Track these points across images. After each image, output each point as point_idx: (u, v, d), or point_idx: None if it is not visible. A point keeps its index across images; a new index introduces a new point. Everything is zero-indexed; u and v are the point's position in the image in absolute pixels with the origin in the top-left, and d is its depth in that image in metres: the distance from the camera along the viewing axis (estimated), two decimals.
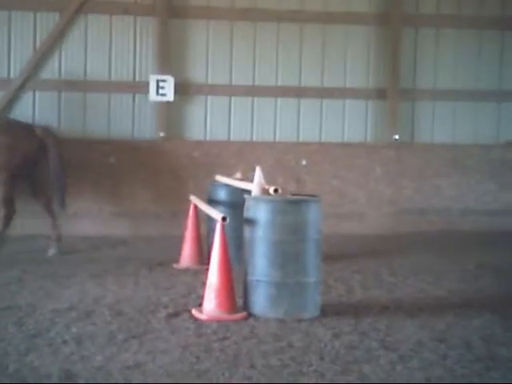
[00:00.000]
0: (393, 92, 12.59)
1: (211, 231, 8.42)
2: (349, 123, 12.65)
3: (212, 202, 9.21)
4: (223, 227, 6.64)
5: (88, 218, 11.41)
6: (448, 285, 8.28)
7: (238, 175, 9.50)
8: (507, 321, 6.64)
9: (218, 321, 6.33)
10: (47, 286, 7.70)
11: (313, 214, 6.65)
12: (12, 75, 11.61)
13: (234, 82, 12.35)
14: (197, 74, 12.26)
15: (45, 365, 5.10)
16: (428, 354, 5.62)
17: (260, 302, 6.55)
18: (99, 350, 5.46)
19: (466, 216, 12.46)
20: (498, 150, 12.80)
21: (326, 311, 6.71)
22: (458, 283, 8.41)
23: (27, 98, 11.67)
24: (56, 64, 11.78)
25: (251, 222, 6.64)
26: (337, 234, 11.05)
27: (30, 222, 10.71)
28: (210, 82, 12.29)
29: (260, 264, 6.56)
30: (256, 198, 6.86)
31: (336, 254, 9.72)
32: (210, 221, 8.93)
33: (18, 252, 9.72)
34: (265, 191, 6.99)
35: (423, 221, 12.34)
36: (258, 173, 7.21)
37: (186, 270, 8.82)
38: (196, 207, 9.22)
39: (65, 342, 5.68)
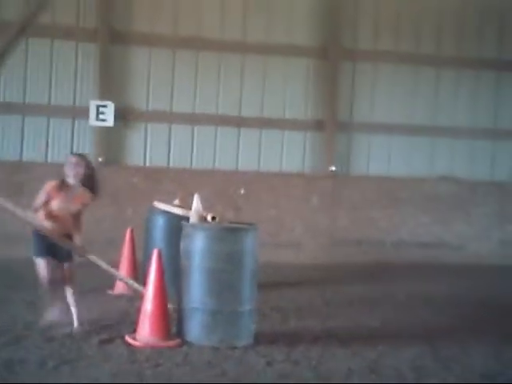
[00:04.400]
0: (330, 124, 12.84)
1: (148, 258, 8.41)
2: (287, 153, 12.84)
3: (150, 228, 9.19)
4: (159, 254, 6.65)
5: (20, 242, 11.21)
6: (380, 315, 8.42)
7: (177, 202, 9.50)
8: (437, 351, 6.79)
9: (152, 347, 6.31)
10: None
11: (250, 243, 6.71)
12: None
13: (174, 110, 12.42)
14: (137, 100, 12.31)
15: None
16: (359, 383, 5.70)
17: (195, 329, 6.55)
18: (29, 376, 5.39)
19: (400, 248, 12.73)
20: (431, 183, 13.14)
21: (260, 339, 6.75)
22: (391, 313, 8.56)
23: None
24: None
25: (188, 249, 6.66)
26: (273, 263, 11.12)
27: None
28: (150, 108, 12.35)
29: (196, 292, 6.57)
30: (193, 225, 6.89)
31: (272, 282, 9.80)
32: (147, 247, 8.93)
33: None
34: (202, 218, 7.03)
35: (358, 251, 12.55)
36: (197, 200, 7.25)
37: (120, 296, 8.75)
38: (132, 232, 9.19)
39: None
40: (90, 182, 7.07)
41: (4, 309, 7.72)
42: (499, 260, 12.72)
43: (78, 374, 5.52)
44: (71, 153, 7.09)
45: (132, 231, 9.37)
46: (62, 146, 11.91)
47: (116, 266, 9.15)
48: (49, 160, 11.86)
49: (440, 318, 8.43)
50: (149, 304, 6.48)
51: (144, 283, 6.88)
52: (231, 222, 7.35)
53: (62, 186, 6.91)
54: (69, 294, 6.98)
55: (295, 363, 6.16)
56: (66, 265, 6.97)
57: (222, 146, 12.61)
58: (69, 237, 6.97)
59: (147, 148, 12.33)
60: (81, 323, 6.89)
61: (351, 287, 10.19)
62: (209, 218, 6.96)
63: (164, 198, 9.91)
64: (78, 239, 7.00)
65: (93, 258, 7.19)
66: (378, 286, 10.33)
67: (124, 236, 9.44)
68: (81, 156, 7.24)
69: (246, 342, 6.61)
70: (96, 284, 9.28)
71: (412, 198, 12.95)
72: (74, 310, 6.95)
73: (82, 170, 6.97)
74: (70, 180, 6.95)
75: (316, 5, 12.87)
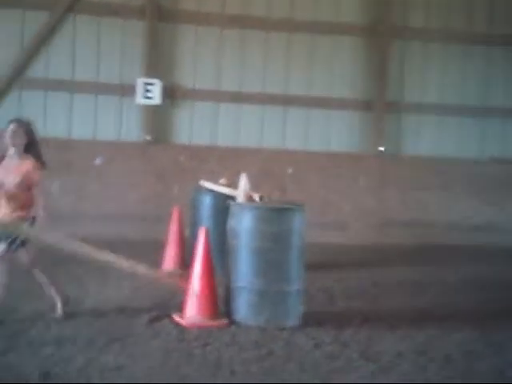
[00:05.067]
0: (379, 103, 12.64)
1: (195, 236, 8.40)
2: (335, 133, 12.68)
3: (196, 206, 9.17)
4: (207, 232, 6.61)
5: (72, 220, 11.31)
6: (430, 298, 8.29)
7: (223, 181, 9.45)
8: (489, 336, 6.65)
9: (199, 327, 6.29)
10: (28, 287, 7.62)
11: (297, 223, 6.64)
12: None
13: (221, 88, 12.35)
14: (184, 78, 12.27)
15: (24, 365, 5.05)
16: (408, 366, 5.61)
17: (242, 309, 6.52)
18: (79, 353, 5.42)
19: (450, 230, 12.49)
20: (481, 165, 12.87)
21: (308, 320, 6.68)
22: (440, 296, 8.42)
23: (13, 96, 11.61)
24: (43, 63, 11.73)
25: (235, 228, 6.61)
26: (320, 244, 11.00)
27: None
28: (197, 86, 12.29)
29: (243, 271, 6.53)
30: (241, 205, 6.84)
31: (319, 263, 9.70)
32: (193, 226, 8.92)
33: None
34: (250, 198, 6.96)
35: (407, 233, 12.34)
36: (244, 179, 7.18)
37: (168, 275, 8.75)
38: (179, 210, 9.19)
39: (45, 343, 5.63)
40: (31, 150, 6.32)
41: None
42: None
43: (127, 352, 5.52)
44: (10, 120, 6.31)
45: (179, 209, 9.35)
46: (109, 123, 11.96)
47: (164, 243, 9.20)
48: (96, 138, 11.90)
49: (491, 302, 8.26)
50: (196, 283, 6.45)
51: (190, 261, 6.84)
52: (279, 202, 7.28)
53: (2, 157, 6.30)
54: (37, 276, 6.46)
55: (343, 345, 6.09)
56: (20, 249, 6.25)
57: (268, 124, 12.51)
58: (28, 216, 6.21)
59: (193, 126, 12.30)
60: (65, 302, 6.54)
61: (400, 269, 10.05)
62: (256, 197, 6.89)
63: (210, 177, 9.88)
64: (39, 218, 6.23)
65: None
66: (427, 269, 10.16)
67: (170, 214, 9.43)
68: (19, 122, 6.40)
69: (293, 322, 6.55)
70: (145, 262, 9.32)
71: (463, 179, 12.71)
72: (49, 290, 6.49)
73: (21, 138, 6.26)
74: (11, 150, 6.29)
75: None
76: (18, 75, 11.60)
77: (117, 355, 5.42)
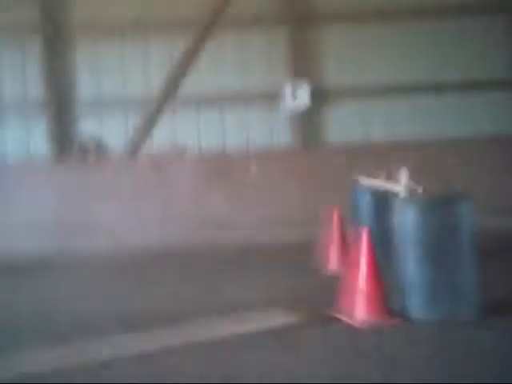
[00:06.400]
0: None
1: (356, 235, 8.26)
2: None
3: (356, 204, 9.04)
4: (369, 232, 6.45)
5: (231, 226, 11.50)
6: None
7: (382, 177, 9.21)
8: None
9: (372, 327, 6.12)
10: None
11: (465, 211, 6.35)
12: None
13: (369, 83, 12.14)
14: (331, 78, 12.15)
15: None
16: None
17: (415, 305, 6.29)
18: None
19: None
20: None
21: (488, 313, 6.31)
22: None
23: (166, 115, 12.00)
24: (191, 81, 12.02)
25: (403, 224, 6.41)
26: (491, 231, 10.40)
27: None
28: (344, 85, 12.15)
29: (413, 266, 6.32)
30: (406, 199, 6.64)
31: (490, 250, 9.18)
32: (355, 224, 8.80)
33: None
34: (413, 191, 6.75)
35: None
36: (404, 174, 6.99)
37: (329, 275, 8.66)
38: (339, 212, 9.08)
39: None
40: None
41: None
42: None
43: (303, 354, 5.46)
44: None
45: (338, 209, 9.22)
46: (261, 131, 12.08)
47: (327, 245, 9.12)
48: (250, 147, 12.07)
49: None
50: (364, 282, 6.30)
51: (353, 261, 6.67)
52: (442, 193, 7.01)
53: None
54: None
55: None
56: None
57: (419, 115, 12.18)
58: None
59: (344, 125, 12.16)
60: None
61: None
62: (419, 190, 6.68)
63: (365, 174, 9.67)
64: None
65: None
66: None
67: (330, 215, 9.31)
68: None
69: (471, 315, 6.23)
70: (309, 264, 9.31)
71: None
72: None
73: None
74: None
75: None
76: (170, 95, 11.94)
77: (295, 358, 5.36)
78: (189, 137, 11.93)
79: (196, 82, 12.07)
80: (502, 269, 8.28)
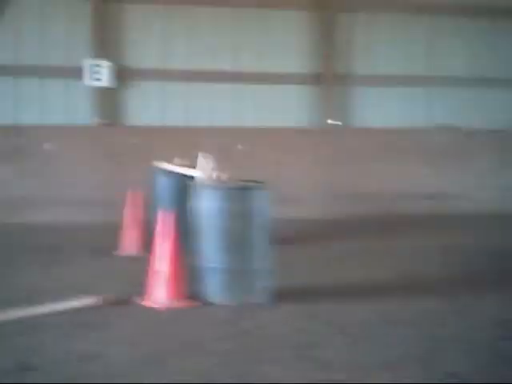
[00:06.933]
0: (328, 77, 12.72)
1: (155, 218, 8.38)
2: (285, 108, 12.72)
3: (154, 188, 9.12)
4: (172, 214, 6.58)
5: (29, 206, 11.16)
6: (392, 266, 8.42)
7: (177, 161, 9.35)
8: (452, 302, 6.81)
9: (171, 308, 6.29)
10: None
11: (261, 200, 6.67)
12: None
13: (169, 67, 12.25)
14: (133, 58, 12.11)
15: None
16: (379, 336, 5.71)
17: (211, 289, 6.53)
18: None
19: (401, 200, 12.70)
20: (428, 133, 13.10)
21: (276, 297, 6.73)
22: (399, 265, 8.56)
23: None
24: None
25: (200, 208, 6.60)
26: (276, 219, 10.99)
27: None
28: (145, 66, 12.15)
29: (210, 251, 6.54)
30: (206, 185, 6.82)
31: (277, 238, 9.72)
32: (154, 207, 8.88)
33: None
34: (211, 177, 6.95)
35: (358, 205, 12.51)
36: (203, 158, 7.15)
37: (127, 258, 8.71)
38: (135, 193, 9.11)
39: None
40: None
41: (13, 274, 7.67)
42: (500, 208, 12.77)
43: (102, 338, 5.49)
44: None
45: (135, 192, 9.26)
46: (57, 107, 11.77)
47: (121, 227, 9.13)
48: (45, 122, 11.71)
49: (450, 267, 8.45)
50: (164, 265, 6.43)
51: (153, 243, 6.77)
52: (241, 181, 7.28)
53: None
54: None
55: (313, 319, 6.16)
56: None
57: (218, 102, 12.48)
58: None
59: (144, 107, 12.19)
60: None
61: (355, 241, 10.19)
62: (217, 176, 6.89)
63: (163, 158, 9.77)
64: None
65: None
66: (381, 239, 10.33)
67: (126, 197, 9.33)
68: None
69: (262, 299, 6.59)
70: (102, 246, 9.28)
71: (411, 148, 12.92)
72: None
73: None
74: None
75: None
76: None
77: (93, 343, 5.38)
78: None
79: None
80: (284, 255, 8.80)
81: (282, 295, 6.82)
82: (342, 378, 4.71)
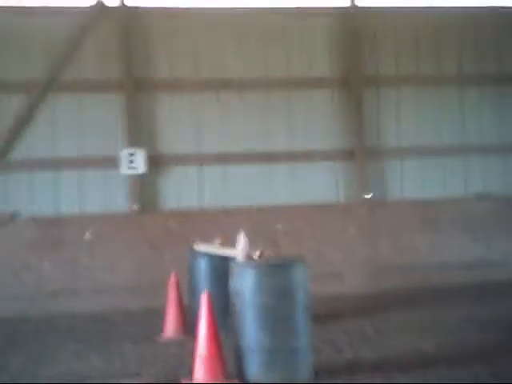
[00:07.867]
0: (360, 152, 12.82)
1: (194, 300, 8.40)
2: (320, 185, 12.80)
3: (193, 270, 9.16)
4: (209, 296, 6.59)
5: (67, 295, 11.25)
6: (434, 339, 8.27)
7: (218, 242, 9.39)
8: (496, 374, 6.64)
9: None
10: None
11: (300, 276, 6.65)
12: None
13: (203, 151, 12.46)
14: (166, 145, 12.36)
15: None
16: None
17: (252, 368, 6.47)
18: None
19: (443, 270, 12.53)
20: (467, 203, 13.02)
21: (319, 374, 6.63)
22: (443, 337, 8.40)
23: None
24: (25, 144, 11.80)
25: (239, 288, 6.61)
26: (317, 295, 10.91)
27: None
28: (180, 152, 12.38)
29: (251, 330, 6.50)
30: (243, 264, 6.84)
31: (319, 315, 9.65)
32: (193, 290, 8.92)
33: None
34: (249, 256, 6.97)
35: (401, 277, 12.36)
36: (243, 238, 7.19)
37: (170, 342, 8.68)
38: (176, 276, 9.15)
39: None
40: None
41: (57, 363, 7.68)
42: None
43: None
44: None
45: (175, 275, 9.30)
46: (96, 196, 12.00)
47: (163, 310, 9.14)
48: (85, 212, 11.93)
49: (494, 338, 8.26)
50: (203, 346, 6.40)
51: (195, 326, 6.78)
52: (278, 258, 7.29)
53: None
54: None
55: None
56: None
57: (254, 183, 12.60)
58: None
59: (180, 191, 12.35)
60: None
61: (399, 314, 10.03)
62: (256, 255, 6.91)
63: (202, 240, 9.85)
64: None
65: None
66: (426, 311, 10.16)
67: (166, 281, 9.37)
68: None
69: (305, 377, 6.51)
70: (145, 332, 9.27)
71: (450, 218, 12.83)
72: None
73: None
74: None
75: (333, 37, 13.00)
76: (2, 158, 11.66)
77: None
78: (21, 201, 11.63)
79: (30, 146, 11.87)
80: (326, 332, 8.71)
81: (326, 372, 6.74)
82: None
